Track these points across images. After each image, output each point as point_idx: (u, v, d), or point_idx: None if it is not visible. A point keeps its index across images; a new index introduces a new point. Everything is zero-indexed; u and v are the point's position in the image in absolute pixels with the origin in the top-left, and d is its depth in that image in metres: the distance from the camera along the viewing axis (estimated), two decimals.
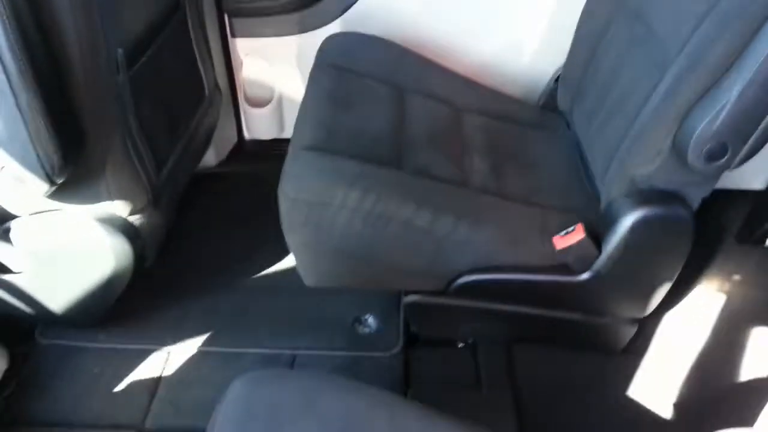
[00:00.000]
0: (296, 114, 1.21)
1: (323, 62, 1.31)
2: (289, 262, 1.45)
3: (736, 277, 1.28)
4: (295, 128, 1.18)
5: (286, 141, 1.16)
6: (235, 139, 1.73)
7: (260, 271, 1.45)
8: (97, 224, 1.14)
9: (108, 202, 1.13)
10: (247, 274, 1.44)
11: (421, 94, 1.31)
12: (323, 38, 1.39)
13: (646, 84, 1.02)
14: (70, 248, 1.17)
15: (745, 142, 0.93)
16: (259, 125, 1.68)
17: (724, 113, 0.90)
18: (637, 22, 1.12)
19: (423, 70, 1.40)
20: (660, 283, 1.12)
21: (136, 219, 1.18)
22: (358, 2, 1.46)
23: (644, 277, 1.12)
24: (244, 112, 1.67)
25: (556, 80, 1.43)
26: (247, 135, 1.72)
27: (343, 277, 1.16)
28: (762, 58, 0.86)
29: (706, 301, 1.26)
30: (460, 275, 1.12)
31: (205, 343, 1.29)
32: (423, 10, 1.48)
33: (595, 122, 1.20)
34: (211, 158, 1.67)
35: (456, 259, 1.10)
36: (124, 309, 1.30)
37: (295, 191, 1.04)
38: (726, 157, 0.95)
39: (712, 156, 0.95)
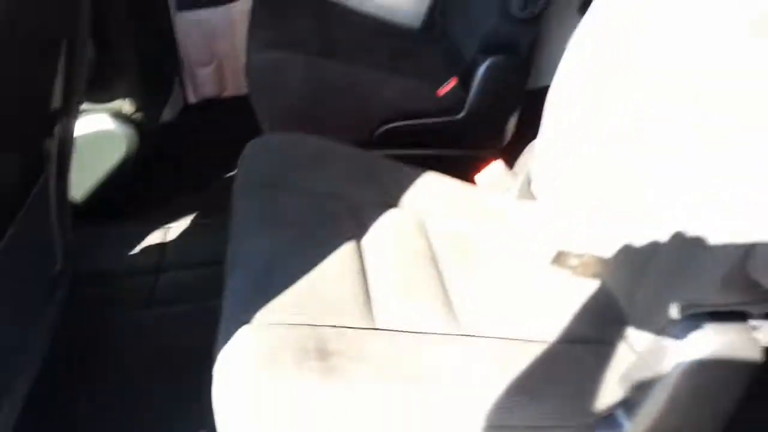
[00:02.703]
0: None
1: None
2: None
3: None
4: None
5: None
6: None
7: None
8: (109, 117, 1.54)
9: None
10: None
11: None
12: None
13: None
14: (90, 140, 1.55)
15: None
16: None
17: None
18: None
19: None
20: (510, 117, 1.70)
21: (137, 116, 1.60)
22: None
23: (499, 113, 1.69)
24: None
25: None
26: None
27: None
28: None
29: None
30: (380, 125, 1.65)
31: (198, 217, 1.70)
32: None
33: None
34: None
35: (377, 112, 1.63)
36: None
37: None
38: None
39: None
